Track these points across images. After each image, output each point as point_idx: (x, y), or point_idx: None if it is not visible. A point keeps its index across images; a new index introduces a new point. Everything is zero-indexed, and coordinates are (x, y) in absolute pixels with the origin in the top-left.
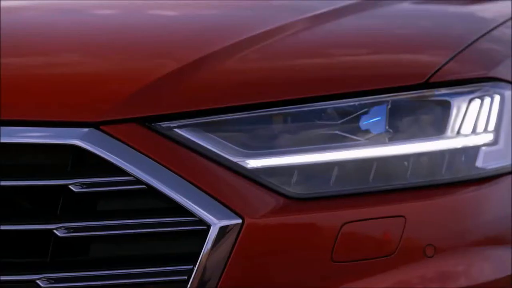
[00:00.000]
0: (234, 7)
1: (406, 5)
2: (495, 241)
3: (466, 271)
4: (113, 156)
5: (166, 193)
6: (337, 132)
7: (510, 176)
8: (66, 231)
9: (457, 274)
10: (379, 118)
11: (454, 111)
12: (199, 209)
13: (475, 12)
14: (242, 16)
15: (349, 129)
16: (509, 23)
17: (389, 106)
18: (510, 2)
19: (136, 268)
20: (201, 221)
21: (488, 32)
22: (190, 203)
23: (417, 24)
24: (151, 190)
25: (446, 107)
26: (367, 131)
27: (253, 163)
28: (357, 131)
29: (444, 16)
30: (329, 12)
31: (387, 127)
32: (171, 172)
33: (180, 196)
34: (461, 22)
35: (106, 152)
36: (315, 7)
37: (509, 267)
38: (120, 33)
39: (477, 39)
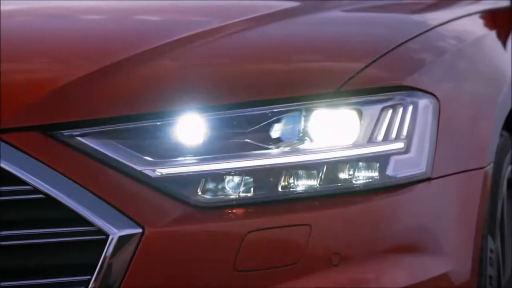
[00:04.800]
0: (158, 12)
1: (335, 13)
2: (407, 248)
3: (376, 278)
4: (11, 165)
5: (64, 203)
6: (247, 140)
7: (422, 184)
8: None
9: (366, 282)
10: (291, 126)
11: (365, 120)
12: (98, 219)
13: (405, 20)
14: (161, 22)
15: (259, 138)
16: (438, 29)
17: (302, 114)
18: (455, 10)
19: (32, 280)
20: (100, 231)
21: (410, 39)
22: (88, 212)
23: (340, 31)
24: (50, 199)
25: (357, 115)
26: (278, 140)
27: (158, 171)
28: (268, 139)
29: (371, 24)
30: (252, 19)
31: (299, 135)
32: (70, 181)
33: (79, 206)
34: (386, 29)
35: (4, 161)
36: (241, 13)
37: (422, 274)
38: (31, 39)
39: (396, 47)
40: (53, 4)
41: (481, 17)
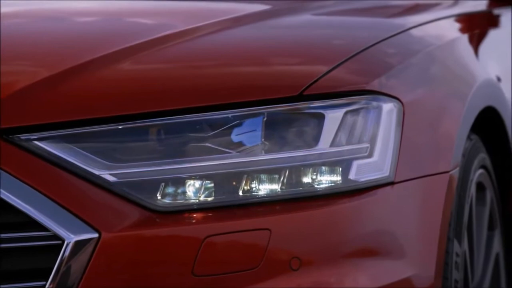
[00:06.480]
0: (124, 16)
1: (305, 17)
2: (370, 252)
3: (338, 282)
4: None
5: (20, 208)
6: (208, 144)
7: (385, 188)
8: None
9: (327, 285)
10: (255, 130)
11: (328, 124)
12: (54, 224)
13: (375, 23)
14: (126, 25)
15: (221, 142)
16: (409, 32)
17: (264, 118)
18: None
19: None
20: (56, 236)
21: (378, 42)
22: (44, 217)
23: (308, 35)
24: (4, 204)
25: (320, 119)
26: (240, 143)
27: (116, 175)
28: (229, 143)
29: (340, 27)
30: (219, 23)
31: (262, 139)
32: (26, 185)
33: (34, 211)
34: (355, 33)
35: None
36: (208, 17)
37: (384, 278)
38: None
39: (363, 50)
40: (15, 6)
41: (456, 20)
